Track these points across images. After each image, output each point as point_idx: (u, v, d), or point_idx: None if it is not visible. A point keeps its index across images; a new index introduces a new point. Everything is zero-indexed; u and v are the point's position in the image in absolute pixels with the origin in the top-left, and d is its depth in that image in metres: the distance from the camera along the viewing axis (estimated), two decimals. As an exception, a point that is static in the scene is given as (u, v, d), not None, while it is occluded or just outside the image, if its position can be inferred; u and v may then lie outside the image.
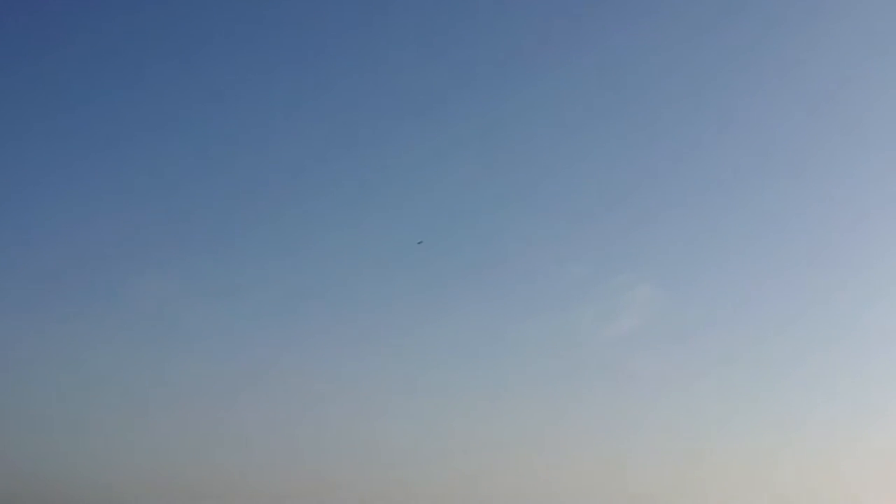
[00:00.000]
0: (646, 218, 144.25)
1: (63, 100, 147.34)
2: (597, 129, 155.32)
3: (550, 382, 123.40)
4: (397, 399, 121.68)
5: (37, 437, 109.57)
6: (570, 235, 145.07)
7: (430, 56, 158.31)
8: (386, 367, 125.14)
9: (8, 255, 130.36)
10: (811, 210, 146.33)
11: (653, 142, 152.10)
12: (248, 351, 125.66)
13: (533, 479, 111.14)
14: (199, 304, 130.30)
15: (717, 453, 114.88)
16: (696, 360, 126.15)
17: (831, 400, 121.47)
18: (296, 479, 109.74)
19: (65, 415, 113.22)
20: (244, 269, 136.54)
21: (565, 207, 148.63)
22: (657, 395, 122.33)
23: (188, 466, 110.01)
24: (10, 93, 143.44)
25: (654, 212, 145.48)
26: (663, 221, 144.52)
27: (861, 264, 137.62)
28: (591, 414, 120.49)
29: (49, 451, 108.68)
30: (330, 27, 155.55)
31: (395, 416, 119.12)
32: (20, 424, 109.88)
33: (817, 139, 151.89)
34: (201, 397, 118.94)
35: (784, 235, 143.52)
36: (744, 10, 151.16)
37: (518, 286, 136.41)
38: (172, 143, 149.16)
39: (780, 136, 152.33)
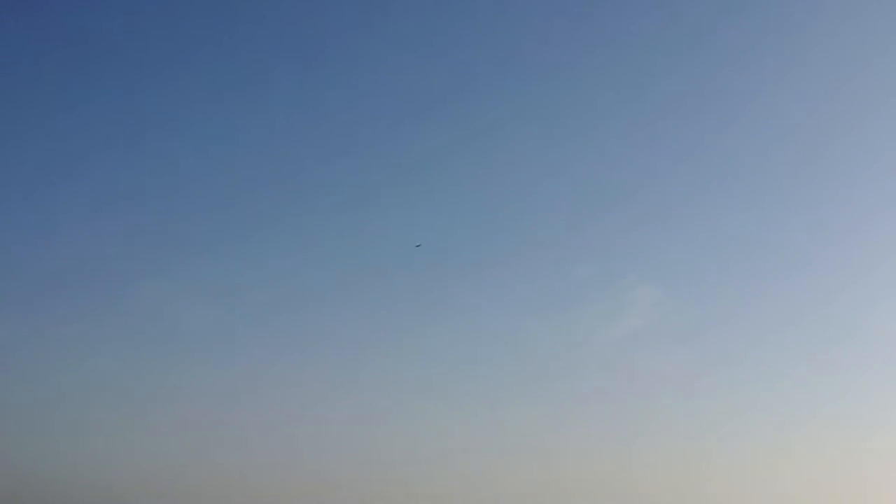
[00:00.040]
0: (648, 218, 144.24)
1: (63, 100, 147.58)
2: (598, 128, 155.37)
3: (553, 383, 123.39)
4: (398, 400, 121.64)
5: (37, 438, 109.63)
6: (572, 236, 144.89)
7: (430, 56, 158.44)
8: (387, 368, 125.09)
9: (7, 255, 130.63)
10: (815, 210, 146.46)
11: (655, 142, 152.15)
12: (248, 352, 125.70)
13: (536, 479, 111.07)
14: (199, 305, 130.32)
15: (722, 453, 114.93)
16: (700, 361, 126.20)
17: (836, 400, 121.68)
18: (296, 479, 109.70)
19: (65, 415, 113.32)
20: (244, 269, 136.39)
21: (567, 208, 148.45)
22: (661, 395, 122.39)
23: (188, 467, 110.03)
24: (10, 93, 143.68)
25: (656, 212, 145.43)
26: (666, 222, 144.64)
27: (866, 264, 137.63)
28: (594, 414, 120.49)
29: (49, 451, 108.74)
30: (330, 27, 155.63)
31: (396, 417, 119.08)
32: (20, 425, 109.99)
33: (819, 139, 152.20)
34: (201, 398, 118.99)
35: (788, 235, 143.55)
36: (744, 10, 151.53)
37: (521, 286, 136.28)
38: (172, 143, 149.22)
39: (782, 136, 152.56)
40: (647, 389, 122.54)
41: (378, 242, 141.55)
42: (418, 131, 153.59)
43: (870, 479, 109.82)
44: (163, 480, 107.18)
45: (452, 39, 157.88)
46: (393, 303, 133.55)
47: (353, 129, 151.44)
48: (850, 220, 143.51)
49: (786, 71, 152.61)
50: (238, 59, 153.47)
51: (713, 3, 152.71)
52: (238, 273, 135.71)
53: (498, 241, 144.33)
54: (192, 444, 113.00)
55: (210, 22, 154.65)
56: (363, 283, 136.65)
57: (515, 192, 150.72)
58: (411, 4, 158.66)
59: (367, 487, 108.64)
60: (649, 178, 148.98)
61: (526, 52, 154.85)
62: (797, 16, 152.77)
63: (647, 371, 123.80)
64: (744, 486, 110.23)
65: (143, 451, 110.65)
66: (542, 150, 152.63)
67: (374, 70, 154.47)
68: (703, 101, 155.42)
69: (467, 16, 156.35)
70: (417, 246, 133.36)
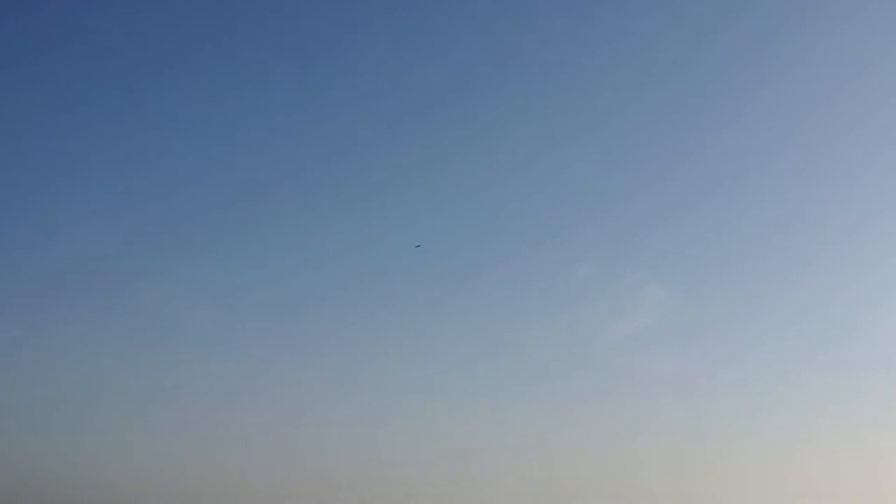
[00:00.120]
0: (648, 218, 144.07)
1: (63, 100, 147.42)
2: (598, 128, 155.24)
3: (554, 383, 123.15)
4: (398, 400, 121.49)
5: (37, 438, 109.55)
6: (572, 236, 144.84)
7: (430, 56, 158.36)
8: (387, 368, 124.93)
9: (7, 255, 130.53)
10: (815, 210, 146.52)
11: (655, 142, 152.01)
12: (249, 352, 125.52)
13: (536, 479, 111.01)
14: (199, 306, 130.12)
15: (723, 454, 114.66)
16: (705, 360, 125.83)
17: (837, 400, 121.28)
18: (296, 479, 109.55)
19: (65, 415, 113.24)
20: (244, 269, 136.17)
21: (567, 208, 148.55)
22: (663, 395, 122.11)
23: (188, 467, 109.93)
24: (10, 93, 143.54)
25: (656, 212, 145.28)
26: (666, 222, 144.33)
27: (871, 262, 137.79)
28: (595, 414, 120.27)
29: (49, 451, 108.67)
30: (330, 27, 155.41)
31: (396, 417, 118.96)
32: (21, 425, 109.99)
33: (819, 139, 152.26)
34: (202, 398, 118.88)
35: (793, 234, 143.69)
36: (744, 10, 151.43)
37: (521, 286, 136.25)
38: (172, 143, 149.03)
39: (782, 136, 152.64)
40: (648, 389, 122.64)
41: (378, 242, 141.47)
42: (418, 131, 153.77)
43: (871, 479, 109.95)
44: (163, 480, 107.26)
45: (452, 39, 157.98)
46: (393, 303, 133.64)
47: (353, 129, 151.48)
48: (851, 220, 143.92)
49: (786, 71, 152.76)
50: (238, 59, 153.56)
51: (713, 3, 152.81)
52: (238, 273, 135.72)
53: (498, 241, 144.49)
54: (192, 444, 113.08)
55: (210, 22, 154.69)
56: (363, 283, 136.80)
57: (515, 192, 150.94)
58: (411, 4, 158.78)
59: (367, 487, 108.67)
60: (649, 178, 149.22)
61: (526, 52, 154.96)
62: (797, 16, 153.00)
63: (649, 371, 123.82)
64: (745, 487, 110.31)
65: (143, 451, 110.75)
66: (542, 150, 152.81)
67: (374, 70, 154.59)
68: (703, 101, 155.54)
69: (467, 16, 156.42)
70: (417, 246, 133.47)
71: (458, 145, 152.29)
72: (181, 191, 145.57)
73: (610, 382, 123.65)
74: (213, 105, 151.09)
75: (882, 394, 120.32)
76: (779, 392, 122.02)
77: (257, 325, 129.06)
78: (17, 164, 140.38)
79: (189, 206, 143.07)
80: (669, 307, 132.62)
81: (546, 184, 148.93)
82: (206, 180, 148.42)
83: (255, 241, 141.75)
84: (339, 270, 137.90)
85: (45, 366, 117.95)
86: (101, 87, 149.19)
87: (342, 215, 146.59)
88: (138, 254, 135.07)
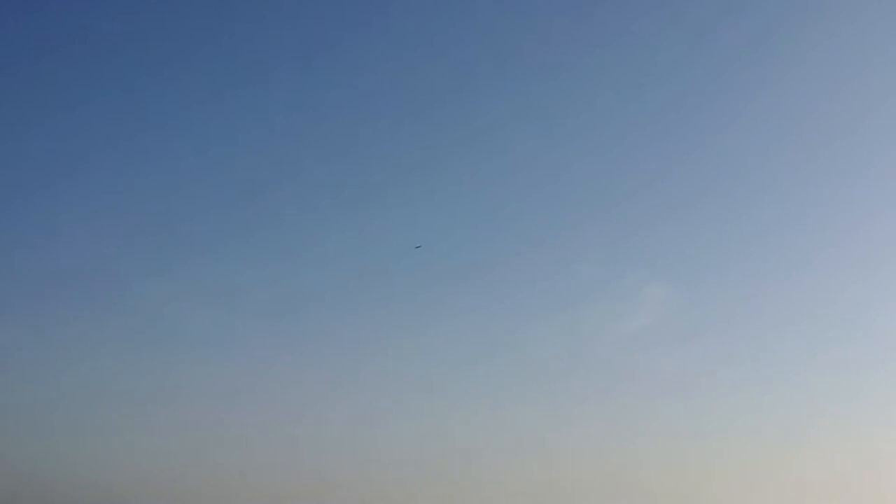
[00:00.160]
0: (649, 218, 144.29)
1: (63, 100, 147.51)
2: (598, 128, 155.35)
3: (555, 383, 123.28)
4: (398, 400, 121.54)
5: (37, 438, 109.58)
6: (573, 236, 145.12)
7: (430, 56, 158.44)
8: (387, 368, 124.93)
9: (7, 255, 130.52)
10: (815, 210, 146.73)
11: (657, 141, 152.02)
12: (249, 352, 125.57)
13: (536, 479, 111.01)
14: (199, 305, 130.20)
15: (724, 454, 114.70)
16: (707, 359, 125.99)
17: (839, 399, 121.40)
18: (296, 479, 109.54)
19: (65, 415, 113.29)
20: (244, 269, 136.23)
21: (568, 208, 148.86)
22: (664, 395, 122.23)
23: (188, 467, 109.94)
24: (10, 93, 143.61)
25: (656, 212, 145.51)
26: (667, 222, 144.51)
27: (871, 262, 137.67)
28: (596, 414, 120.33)
29: (49, 451, 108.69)
30: (330, 27, 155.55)
31: (396, 417, 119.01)
32: (21, 425, 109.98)
33: (819, 139, 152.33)
34: (202, 398, 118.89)
35: (795, 233, 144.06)
36: (744, 10, 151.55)
37: (525, 286, 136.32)
38: (172, 143, 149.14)
39: (782, 136, 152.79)
40: (649, 389, 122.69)
41: (378, 242, 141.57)
42: (418, 131, 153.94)
43: (871, 478, 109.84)
44: (163, 480, 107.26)
45: (452, 39, 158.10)
46: (393, 303, 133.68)
47: (353, 129, 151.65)
48: (851, 219, 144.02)
49: (786, 71, 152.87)
50: (238, 59, 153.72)
51: (713, 3, 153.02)
52: (238, 273, 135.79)
53: (498, 241, 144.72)
54: (192, 444, 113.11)
55: (210, 22, 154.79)
56: (363, 283, 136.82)
57: (515, 192, 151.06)
58: (411, 4, 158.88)
59: (367, 487, 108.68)
60: (650, 178, 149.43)
61: (526, 52, 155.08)
62: (797, 16, 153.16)
63: (650, 370, 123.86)
64: (745, 487, 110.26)
65: (143, 451, 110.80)
66: (542, 150, 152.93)
67: (374, 70, 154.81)
68: (703, 101, 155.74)
69: (467, 16, 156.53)
70: (417, 247, 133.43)
71: (458, 145, 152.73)
72: (181, 191, 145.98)
73: (610, 382, 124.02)
74: (213, 105, 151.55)
75: (882, 394, 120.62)
76: (779, 392, 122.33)
77: (257, 325, 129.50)
78: (17, 164, 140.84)
79: (189, 206, 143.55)
80: (670, 307, 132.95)
81: (546, 184, 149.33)
82: (206, 180, 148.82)
83: (255, 241, 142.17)
84: (339, 270, 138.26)
85: (45, 366, 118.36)
86: (101, 87, 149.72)
87: (342, 215, 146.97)
88: (138, 254, 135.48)
